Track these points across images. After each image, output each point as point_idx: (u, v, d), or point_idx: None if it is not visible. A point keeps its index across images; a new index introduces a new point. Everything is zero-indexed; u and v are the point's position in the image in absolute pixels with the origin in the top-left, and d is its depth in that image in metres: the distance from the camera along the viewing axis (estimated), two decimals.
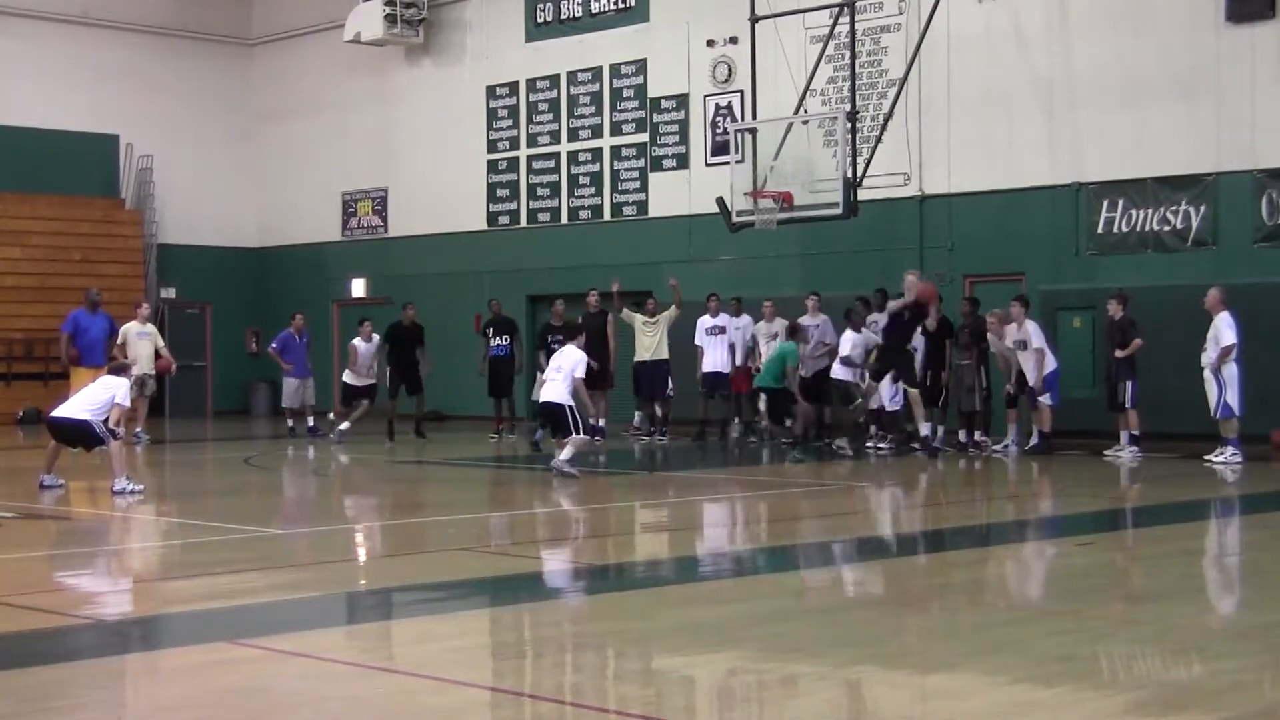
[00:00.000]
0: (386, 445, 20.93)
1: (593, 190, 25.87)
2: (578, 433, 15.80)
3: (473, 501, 15.56)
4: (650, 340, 21.61)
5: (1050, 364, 18.76)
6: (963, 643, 7.68)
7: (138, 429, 21.22)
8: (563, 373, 15.93)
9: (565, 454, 15.69)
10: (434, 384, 27.06)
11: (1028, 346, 18.75)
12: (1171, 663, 7.33)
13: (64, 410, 14.62)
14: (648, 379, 21.73)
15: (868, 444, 19.43)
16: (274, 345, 23.62)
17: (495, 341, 22.31)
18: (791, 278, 22.90)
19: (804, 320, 20.68)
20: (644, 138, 25.17)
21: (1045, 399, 18.76)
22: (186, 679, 7.02)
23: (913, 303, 18.56)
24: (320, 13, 29.55)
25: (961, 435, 19.46)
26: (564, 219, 26.29)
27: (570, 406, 15.80)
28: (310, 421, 23.12)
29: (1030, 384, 18.71)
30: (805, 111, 21.32)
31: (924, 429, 18.63)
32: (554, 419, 16.11)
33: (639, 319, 21.72)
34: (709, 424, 21.74)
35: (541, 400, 16.33)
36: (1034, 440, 18.89)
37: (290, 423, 23.43)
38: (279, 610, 8.76)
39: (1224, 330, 17.27)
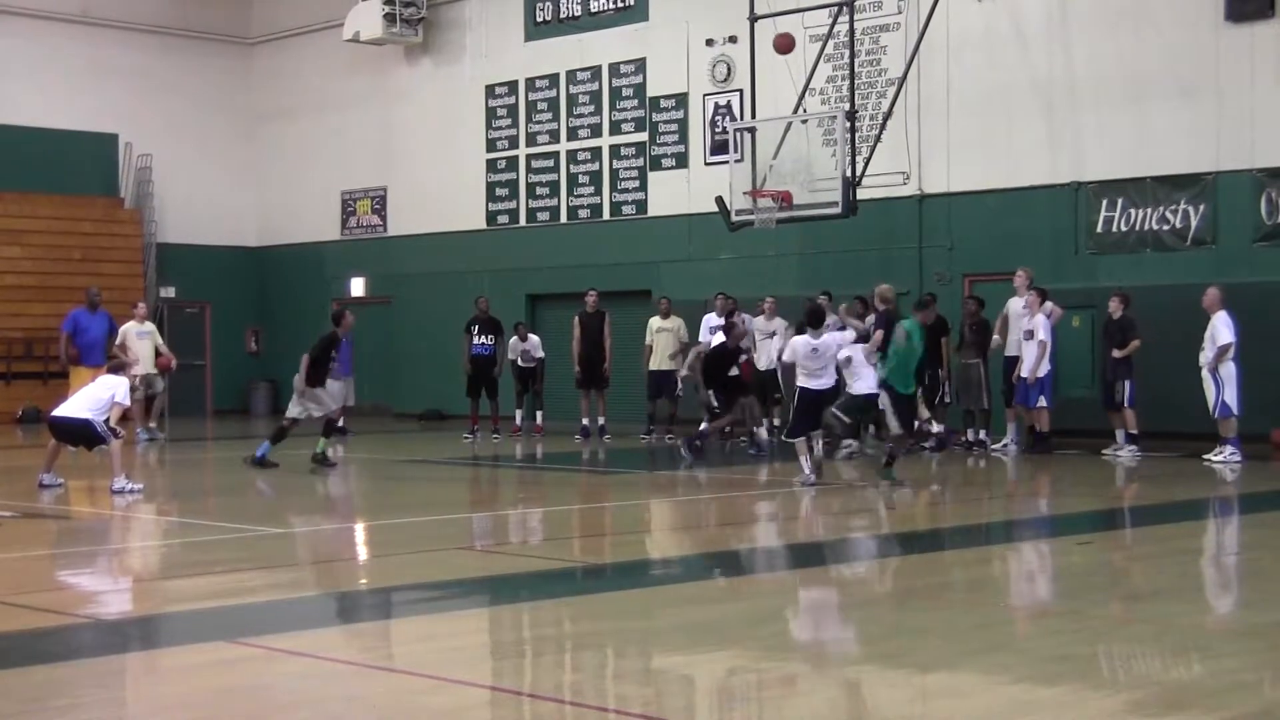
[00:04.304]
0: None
1: (592, 189, 25.86)
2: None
3: (470, 501, 15.57)
4: (664, 343, 21.50)
5: (1044, 368, 18.73)
6: (963, 643, 7.68)
7: (151, 425, 21.37)
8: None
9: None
10: (434, 383, 27.19)
11: (1034, 337, 18.74)
12: (1171, 663, 7.33)
13: (65, 409, 14.65)
14: (655, 381, 21.71)
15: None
16: None
17: (479, 340, 22.30)
18: (791, 277, 22.89)
19: None
20: (643, 137, 25.16)
21: (1041, 401, 18.74)
22: (186, 679, 7.03)
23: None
24: (320, 12, 29.53)
25: (969, 434, 19.47)
26: (563, 218, 26.28)
27: None
28: (340, 421, 23.00)
29: (1024, 375, 18.69)
30: (804, 111, 21.30)
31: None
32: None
33: (655, 322, 21.68)
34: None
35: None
36: (1033, 440, 18.87)
37: (339, 421, 23.12)
38: (279, 610, 8.77)
39: (1221, 329, 17.27)
